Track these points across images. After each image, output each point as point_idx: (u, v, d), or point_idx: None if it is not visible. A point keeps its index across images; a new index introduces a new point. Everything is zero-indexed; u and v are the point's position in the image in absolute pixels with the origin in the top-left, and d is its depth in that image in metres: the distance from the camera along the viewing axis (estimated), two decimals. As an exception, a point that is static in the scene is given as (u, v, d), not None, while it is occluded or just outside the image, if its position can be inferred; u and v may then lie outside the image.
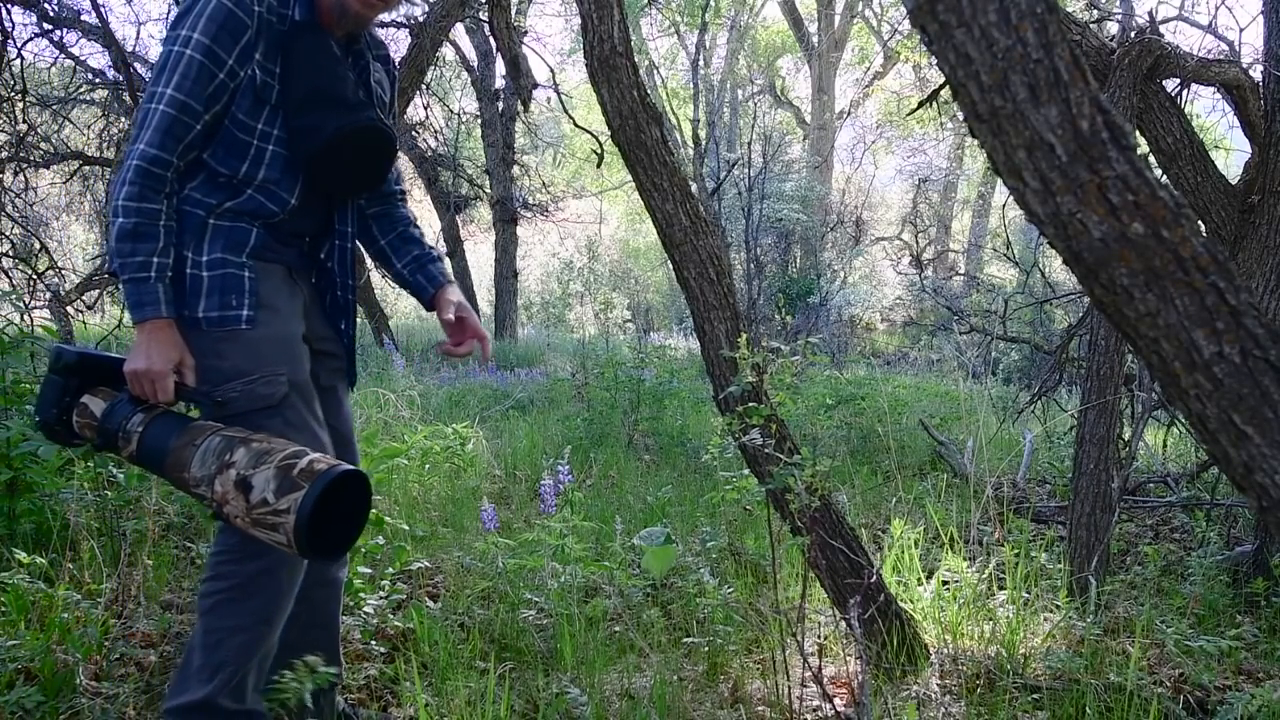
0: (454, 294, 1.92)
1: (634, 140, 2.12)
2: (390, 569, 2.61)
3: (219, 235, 1.65)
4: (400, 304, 17.46)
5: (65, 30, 6.94)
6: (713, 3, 17.49)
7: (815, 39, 20.24)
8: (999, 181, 1.50)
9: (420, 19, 6.66)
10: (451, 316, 1.86)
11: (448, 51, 12.48)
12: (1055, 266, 8.60)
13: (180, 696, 1.62)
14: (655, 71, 18.84)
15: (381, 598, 2.39)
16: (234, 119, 1.63)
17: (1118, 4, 5.45)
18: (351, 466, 1.51)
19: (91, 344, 4.28)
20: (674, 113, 17.89)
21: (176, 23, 1.58)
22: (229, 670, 1.61)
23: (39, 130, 6.63)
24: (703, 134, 12.19)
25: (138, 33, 22.72)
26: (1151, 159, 2.85)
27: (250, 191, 1.67)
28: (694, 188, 5.06)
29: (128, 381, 1.60)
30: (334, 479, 1.45)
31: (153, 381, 1.57)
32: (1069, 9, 4.91)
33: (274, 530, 1.44)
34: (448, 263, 1.87)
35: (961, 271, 15.93)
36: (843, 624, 2.13)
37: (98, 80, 7.53)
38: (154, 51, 9.00)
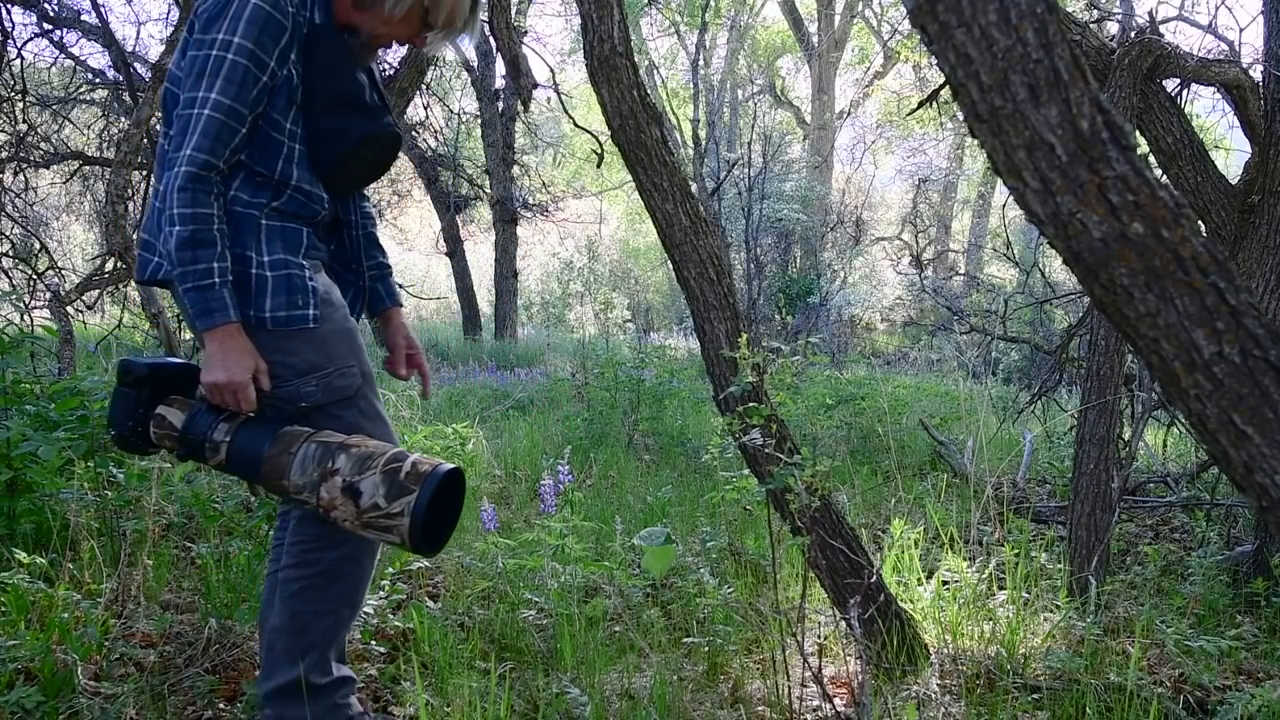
0: (405, 320, 2.05)
1: (634, 140, 2.12)
2: (390, 569, 2.61)
3: (275, 235, 1.67)
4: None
5: (65, 30, 6.94)
6: (713, 3, 17.49)
7: (815, 39, 20.25)
8: (999, 181, 1.50)
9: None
10: (402, 343, 1.99)
11: (448, 51, 12.47)
12: (1055, 266, 8.61)
13: (272, 679, 1.70)
14: (655, 71, 18.84)
15: (381, 598, 2.40)
16: (268, 118, 1.64)
17: (1118, 4, 5.45)
18: (451, 464, 1.61)
19: (154, 353, 4.28)
20: (674, 113, 17.88)
21: (210, 25, 1.57)
22: (316, 651, 1.71)
23: (39, 130, 6.63)
24: (703, 134, 12.19)
25: (138, 33, 22.78)
26: (1151, 159, 2.85)
27: (289, 193, 1.69)
28: (694, 188, 5.06)
29: (207, 393, 1.61)
30: (441, 479, 1.55)
31: (234, 393, 1.59)
32: (1069, 9, 4.91)
33: (387, 532, 1.55)
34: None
35: (961, 271, 15.95)
36: (843, 624, 2.13)
37: (98, 80, 7.53)
38: (154, 51, 9.00)
